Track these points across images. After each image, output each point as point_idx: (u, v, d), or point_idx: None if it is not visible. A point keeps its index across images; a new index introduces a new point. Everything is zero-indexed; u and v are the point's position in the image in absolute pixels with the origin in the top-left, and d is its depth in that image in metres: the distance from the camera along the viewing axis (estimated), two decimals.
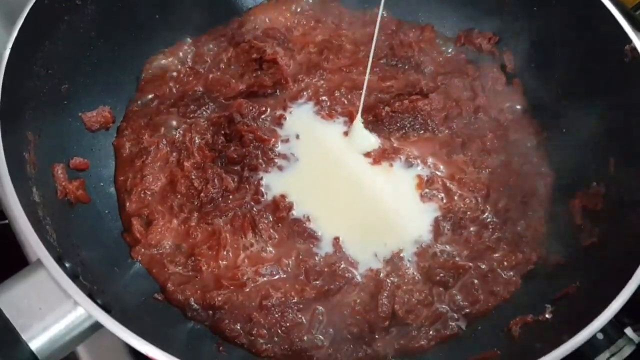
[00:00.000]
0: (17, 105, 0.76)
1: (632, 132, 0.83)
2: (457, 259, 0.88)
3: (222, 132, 0.96)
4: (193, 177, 0.91)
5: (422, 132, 0.99)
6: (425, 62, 1.09)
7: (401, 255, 0.88)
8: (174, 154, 0.94)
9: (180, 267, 0.86)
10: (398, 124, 0.99)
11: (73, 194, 0.82)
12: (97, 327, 0.65)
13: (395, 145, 0.98)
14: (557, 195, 0.94)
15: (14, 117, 0.75)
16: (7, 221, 0.90)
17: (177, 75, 1.03)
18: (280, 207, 0.89)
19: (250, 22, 1.09)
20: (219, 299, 0.82)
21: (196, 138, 0.95)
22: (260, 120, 0.98)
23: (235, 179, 0.92)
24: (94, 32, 0.91)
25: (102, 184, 0.91)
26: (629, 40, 0.84)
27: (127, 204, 0.90)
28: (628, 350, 0.89)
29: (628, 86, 0.85)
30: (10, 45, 0.75)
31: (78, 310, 0.64)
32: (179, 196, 0.91)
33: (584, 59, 0.93)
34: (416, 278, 0.87)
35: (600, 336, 0.88)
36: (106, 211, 0.89)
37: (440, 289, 0.86)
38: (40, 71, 0.81)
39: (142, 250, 0.86)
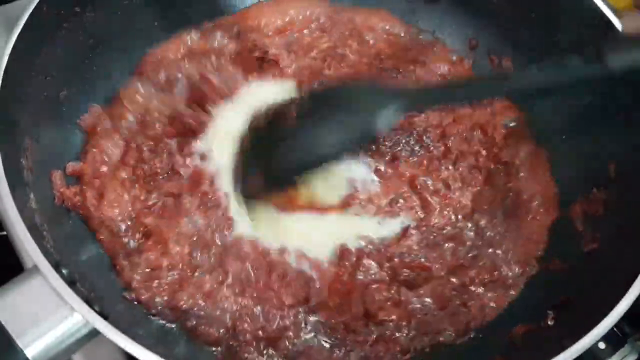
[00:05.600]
0: (15, 111, 0.76)
1: (632, 136, 0.83)
2: (422, 259, 0.87)
3: None
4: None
5: (417, 149, 0.96)
6: (424, 77, 1.05)
7: (366, 251, 0.87)
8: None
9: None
10: (392, 142, 0.96)
11: (70, 200, 0.82)
12: (94, 334, 0.63)
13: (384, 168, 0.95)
14: (557, 201, 0.93)
15: (12, 123, 0.75)
16: (4, 233, 0.90)
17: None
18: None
19: (260, 19, 1.07)
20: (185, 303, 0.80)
21: None
22: None
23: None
24: (93, 39, 0.91)
25: None
26: None
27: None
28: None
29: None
30: (8, 52, 0.74)
31: (75, 317, 0.62)
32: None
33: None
34: (384, 278, 0.86)
35: (602, 345, 0.88)
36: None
37: (406, 289, 0.84)
38: (38, 78, 0.81)
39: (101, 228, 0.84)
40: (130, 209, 0.86)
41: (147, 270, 0.81)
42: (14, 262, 0.87)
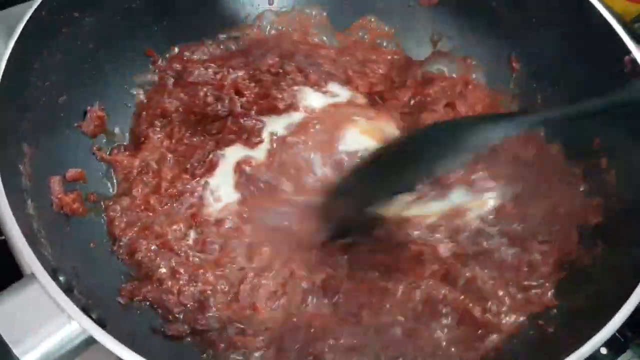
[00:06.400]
0: (13, 117, 0.75)
1: (631, 142, 0.83)
2: None
3: None
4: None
5: None
6: None
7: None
8: None
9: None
10: None
11: (69, 206, 0.81)
12: (91, 342, 0.63)
13: None
14: None
15: (11, 129, 0.74)
16: (3, 237, 0.89)
17: None
18: None
19: None
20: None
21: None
22: None
23: None
24: (92, 44, 0.91)
25: (98, 196, 0.89)
26: (628, 51, 0.85)
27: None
28: None
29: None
30: (6, 56, 0.74)
31: (72, 325, 0.62)
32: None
33: (583, 69, 0.92)
34: None
35: (604, 351, 0.88)
36: (102, 223, 0.87)
37: None
38: (37, 83, 0.81)
39: None
40: None
41: None
42: (14, 264, 0.86)
